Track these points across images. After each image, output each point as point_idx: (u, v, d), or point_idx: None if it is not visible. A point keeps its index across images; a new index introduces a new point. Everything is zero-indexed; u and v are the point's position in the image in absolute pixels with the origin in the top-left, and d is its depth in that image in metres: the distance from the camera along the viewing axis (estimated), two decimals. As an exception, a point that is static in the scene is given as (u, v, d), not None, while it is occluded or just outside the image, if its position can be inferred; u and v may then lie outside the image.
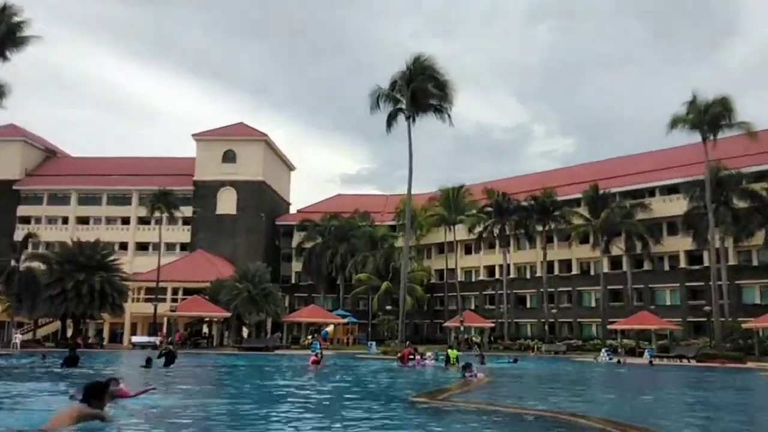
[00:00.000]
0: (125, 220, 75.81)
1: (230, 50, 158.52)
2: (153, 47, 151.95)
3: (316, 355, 32.31)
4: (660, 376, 30.66)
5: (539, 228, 63.38)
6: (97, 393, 7.93)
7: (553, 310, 61.42)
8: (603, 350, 46.84)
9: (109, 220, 75.97)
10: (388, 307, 62.83)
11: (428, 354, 34.64)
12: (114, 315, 56.74)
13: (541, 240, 64.05)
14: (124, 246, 73.14)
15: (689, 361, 42.03)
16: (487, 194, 66.63)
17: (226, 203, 74.39)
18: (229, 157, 75.44)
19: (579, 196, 62.02)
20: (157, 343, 49.87)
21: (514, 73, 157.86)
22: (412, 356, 33.12)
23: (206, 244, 71.61)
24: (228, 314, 52.87)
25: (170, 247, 72.06)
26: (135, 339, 56.09)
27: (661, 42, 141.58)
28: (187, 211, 70.58)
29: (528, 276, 68.86)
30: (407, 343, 44.46)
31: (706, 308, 49.13)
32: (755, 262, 54.85)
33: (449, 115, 49.69)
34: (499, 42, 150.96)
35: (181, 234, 73.96)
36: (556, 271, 65.57)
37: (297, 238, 77.34)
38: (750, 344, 46.27)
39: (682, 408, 16.25)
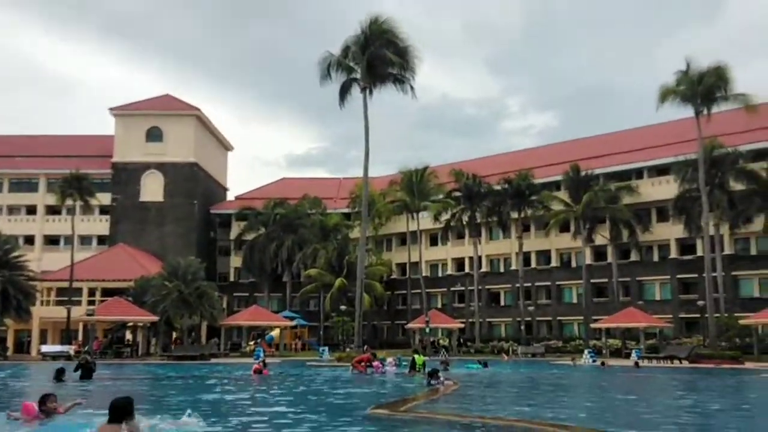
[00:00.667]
0: (31, 210, 74.37)
1: (152, 9, 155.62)
2: (62, 6, 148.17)
3: (259, 363, 32.38)
4: (646, 379, 31.40)
5: (514, 215, 64.13)
6: (130, 408, 8.60)
7: (530, 308, 62.42)
8: (586, 351, 47.93)
9: (12, 210, 74.51)
10: (343, 307, 62.86)
11: (389, 359, 34.90)
12: (19, 321, 56.06)
13: (516, 228, 64.83)
14: (30, 240, 71.98)
15: (681, 362, 43.26)
16: (455, 177, 67.10)
17: (152, 189, 73.43)
18: (154, 135, 74.38)
19: (559, 178, 63.01)
20: (72, 352, 49.34)
21: (486, 38, 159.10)
22: (369, 363, 33.27)
23: (128, 237, 70.80)
24: (155, 318, 52.40)
25: (85, 240, 71.11)
26: (45, 348, 55.40)
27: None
28: (104, 198, 69.69)
29: (502, 269, 69.79)
30: (365, 347, 44.72)
31: (700, 303, 50.43)
32: (753, 251, 56.58)
33: (411, 87, 49.92)
34: (469, 1, 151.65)
35: (99, 225, 73.01)
36: (533, 264, 66.59)
37: (236, 228, 76.79)
38: (748, 342, 47.65)
39: (668, 415, 16.59)
